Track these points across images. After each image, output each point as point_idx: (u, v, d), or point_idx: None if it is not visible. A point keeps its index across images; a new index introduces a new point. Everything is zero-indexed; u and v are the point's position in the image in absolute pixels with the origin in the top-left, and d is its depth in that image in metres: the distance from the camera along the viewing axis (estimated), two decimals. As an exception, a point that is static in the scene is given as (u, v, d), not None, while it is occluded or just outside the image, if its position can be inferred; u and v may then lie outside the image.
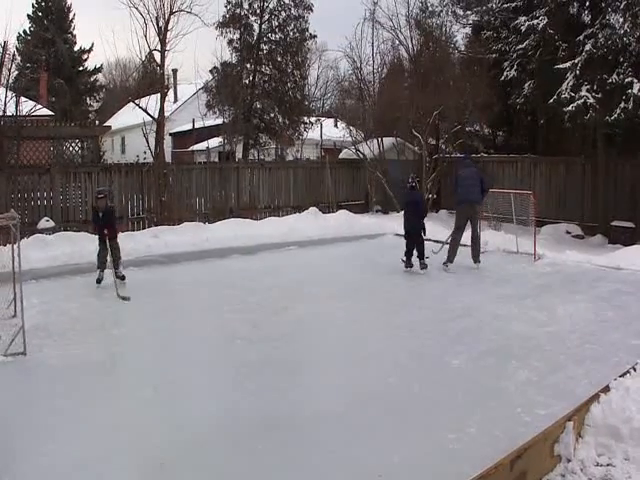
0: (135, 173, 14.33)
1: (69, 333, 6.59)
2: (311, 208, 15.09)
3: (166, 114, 14.90)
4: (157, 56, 14.77)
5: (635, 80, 13.75)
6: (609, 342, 6.40)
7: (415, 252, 9.90)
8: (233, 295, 8.34)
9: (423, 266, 9.84)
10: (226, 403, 4.89)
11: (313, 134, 23.28)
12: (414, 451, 4.13)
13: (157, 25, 13.93)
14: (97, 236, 9.28)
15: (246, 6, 20.35)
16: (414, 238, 9.89)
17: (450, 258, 10.10)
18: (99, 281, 8.95)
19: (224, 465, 3.97)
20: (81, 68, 39.75)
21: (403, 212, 10.47)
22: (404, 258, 9.96)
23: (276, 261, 11.02)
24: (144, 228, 13.70)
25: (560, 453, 4.25)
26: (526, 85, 17.67)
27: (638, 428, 4.42)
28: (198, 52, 36.22)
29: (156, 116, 14.13)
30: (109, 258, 8.96)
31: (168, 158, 21.30)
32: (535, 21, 16.46)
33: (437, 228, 14.28)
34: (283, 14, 20.73)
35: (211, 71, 21.27)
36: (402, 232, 10.55)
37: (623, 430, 4.46)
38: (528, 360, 5.83)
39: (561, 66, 15.02)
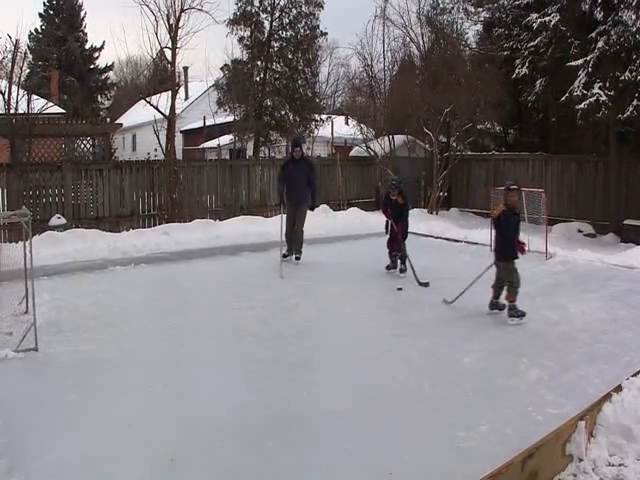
0: (146, 170, 14.37)
1: (80, 329, 6.62)
2: (321, 205, 15.06)
3: (177, 111, 14.89)
4: (168, 54, 14.79)
5: (648, 77, 13.61)
6: (621, 341, 6.36)
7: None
8: (243, 292, 8.36)
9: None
10: (236, 400, 4.89)
11: (324, 131, 23.25)
12: (424, 449, 4.12)
13: (168, 23, 13.94)
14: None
15: (257, 3, 20.34)
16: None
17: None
18: None
19: (234, 462, 3.98)
20: (92, 66, 40.03)
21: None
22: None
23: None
24: (155, 225, 13.75)
25: (572, 453, 4.23)
26: (538, 83, 17.54)
27: (651, 428, 4.39)
28: (209, 50, 36.30)
29: (167, 113, 14.14)
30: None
31: (179, 155, 21.38)
32: (547, 18, 16.31)
33: (448, 225, 14.31)
34: (294, 11, 20.68)
35: (222, 69, 21.30)
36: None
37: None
38: (539, 359, 5.79)
39: (573, 63, 14.90)
